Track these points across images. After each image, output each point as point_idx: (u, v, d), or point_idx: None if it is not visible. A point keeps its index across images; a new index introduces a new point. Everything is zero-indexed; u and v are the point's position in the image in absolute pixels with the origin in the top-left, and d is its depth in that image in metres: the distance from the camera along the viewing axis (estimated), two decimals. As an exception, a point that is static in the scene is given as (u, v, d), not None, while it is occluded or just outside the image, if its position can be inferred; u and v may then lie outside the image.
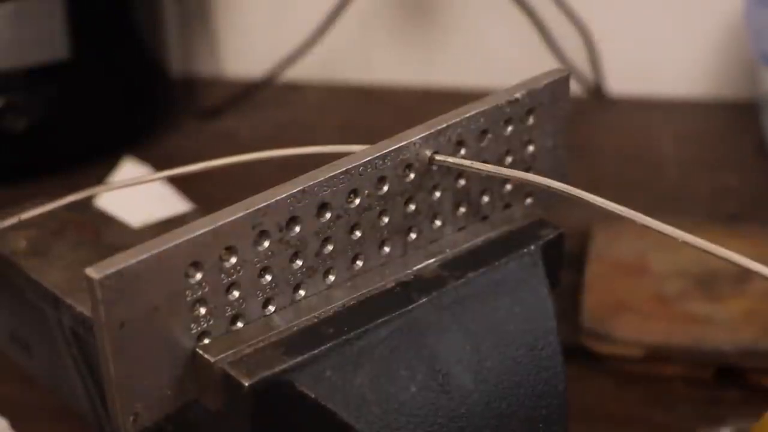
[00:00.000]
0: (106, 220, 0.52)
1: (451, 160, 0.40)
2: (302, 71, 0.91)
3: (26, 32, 0.75)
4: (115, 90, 0.83)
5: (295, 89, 0.92)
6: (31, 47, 0.76)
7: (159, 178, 0.44)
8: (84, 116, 0.80)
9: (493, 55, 0.90)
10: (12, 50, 0.75)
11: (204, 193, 0.60)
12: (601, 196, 0.37)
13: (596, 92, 0.88)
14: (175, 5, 0.92)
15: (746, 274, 0.34)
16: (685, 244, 0.34)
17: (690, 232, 0.34)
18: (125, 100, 0.83)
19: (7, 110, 0.76)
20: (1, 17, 0.74)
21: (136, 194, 0.52)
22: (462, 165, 0.40)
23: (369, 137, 0.42)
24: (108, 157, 0.73)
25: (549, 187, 0.38)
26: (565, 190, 0.38)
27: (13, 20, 0.74)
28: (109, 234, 0.51)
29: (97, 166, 0.73)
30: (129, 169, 0.62)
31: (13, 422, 0.52)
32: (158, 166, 0.60)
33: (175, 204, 0.55)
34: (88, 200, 0.51)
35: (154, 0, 0.85)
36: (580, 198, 0.37)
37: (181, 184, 0.57)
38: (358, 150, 0.39)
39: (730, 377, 0.56)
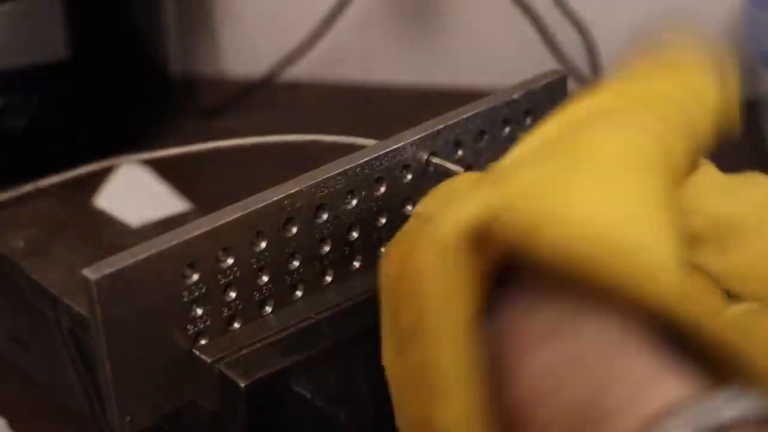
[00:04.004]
0: (105, 220, 0.52)
1: (448, 164, 0.40)
2: (302, 70, 0.91)
3: (26, 32, 0.75)
4: (115, 90, 0.82)
5: (295, 88, 0.92)
6: (31, 47, 0.75)
7: (137, 162, 0.44)
8: (84, 116, 0.80)
9: (492, 56, 0.90)
10: (12, 50, 0.75)
11: (203, 193, 0.60)
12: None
13: (596, 92, 0.88)
14: (175, 5, 0.92)
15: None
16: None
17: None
18: (125, 100, 0.83)
19: (7, 110, 0.76)
20: (1, 17, 0.74)
21: (135, 194, 0.52)
22: (457, 169, 0.40)
23: (369, 137, 0.42)
24: (108, 157, 0.73)
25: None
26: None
27: (13, 20, 0.74)
28: (107, 234, 0.51)
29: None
30: (128, 169, 0.62)
31: (12, 422, 0.52)
32: (158, 166, 0.60)
33: (173, 204, 0.55)
34: (88, 200, 0.52)
35: (154, 0, 0.85)
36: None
37: (179, 184, 0.57)
38: (356, 141, 0.40)
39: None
